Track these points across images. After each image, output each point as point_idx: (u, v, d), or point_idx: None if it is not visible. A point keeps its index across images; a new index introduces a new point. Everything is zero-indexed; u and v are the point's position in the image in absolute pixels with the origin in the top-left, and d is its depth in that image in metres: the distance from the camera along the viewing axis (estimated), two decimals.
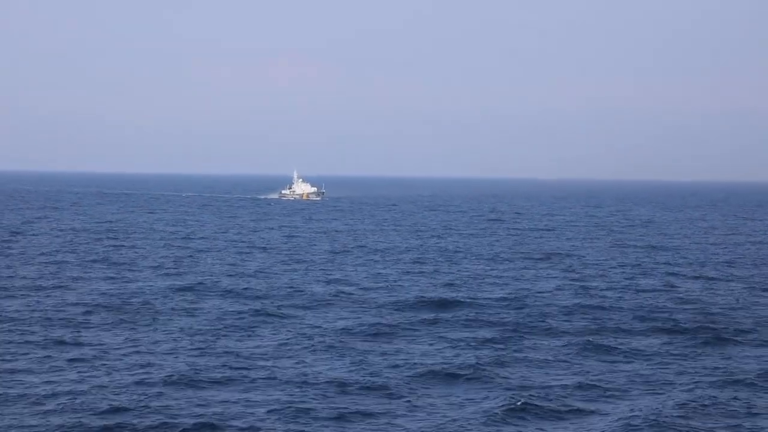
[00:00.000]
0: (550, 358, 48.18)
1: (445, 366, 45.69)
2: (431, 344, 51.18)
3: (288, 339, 51.43)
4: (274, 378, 43.12)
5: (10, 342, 50.00)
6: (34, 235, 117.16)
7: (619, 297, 68.86)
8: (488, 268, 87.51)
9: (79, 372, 43.80)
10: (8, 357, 46.63)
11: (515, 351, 49.61)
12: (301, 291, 69.27)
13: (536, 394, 41.08)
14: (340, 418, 37.76)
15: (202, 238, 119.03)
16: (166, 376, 42.99)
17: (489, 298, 66.92)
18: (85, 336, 51.89)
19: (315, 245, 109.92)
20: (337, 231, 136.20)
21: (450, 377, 43.79)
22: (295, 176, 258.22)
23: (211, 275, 78.73)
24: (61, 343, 50.07)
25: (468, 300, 65.86)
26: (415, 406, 39.37)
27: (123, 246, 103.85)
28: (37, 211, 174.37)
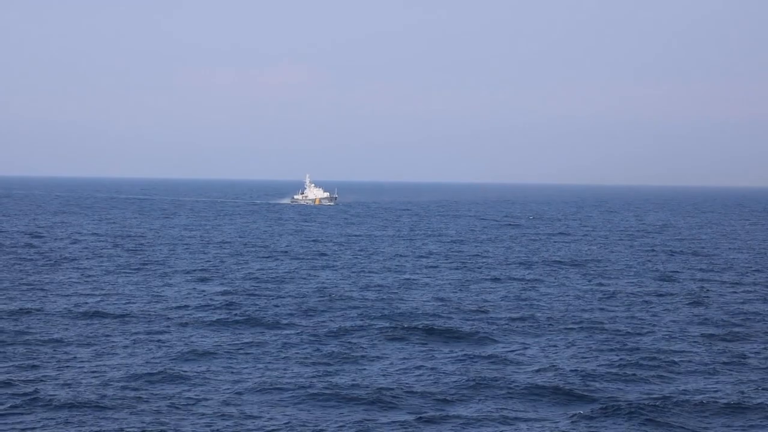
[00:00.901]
0: (598, 364, 47.86)
1: (497, 375, 45.41)
2: (478, 352, 50.81)
3: (332, 348, 51.04)
4: (329, 384, 42.81)
5: (56, 352, 49.76)
6: (55, 240, 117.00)
7: (657, 303, 68.60)
8: (517, 273, 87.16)
9: (130, 377, 43.56)
10: (56, 363, 46.40)
11: (564, 358, 49.32)
12: (334, 297, 68.89)
13: (587, 403, 40.88)
14: (404, 423, 37.54)
15: (224, 242, 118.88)
16: (216, 385, 42.84)
17: (526, 304, 66.63)
18: (132, 342, 51.65)
19: (337, 251, 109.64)
20: (356, 236, 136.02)
21: (503, 386, 43.45)
22: (307, 181, 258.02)
23: (241, 280, 78.53)
24: (109, 351, 49.88)
25: (503, 306, 65.60)
26: (470, 417, 39.11)
27: (147, 251, 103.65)
28: (53, 216, 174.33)
